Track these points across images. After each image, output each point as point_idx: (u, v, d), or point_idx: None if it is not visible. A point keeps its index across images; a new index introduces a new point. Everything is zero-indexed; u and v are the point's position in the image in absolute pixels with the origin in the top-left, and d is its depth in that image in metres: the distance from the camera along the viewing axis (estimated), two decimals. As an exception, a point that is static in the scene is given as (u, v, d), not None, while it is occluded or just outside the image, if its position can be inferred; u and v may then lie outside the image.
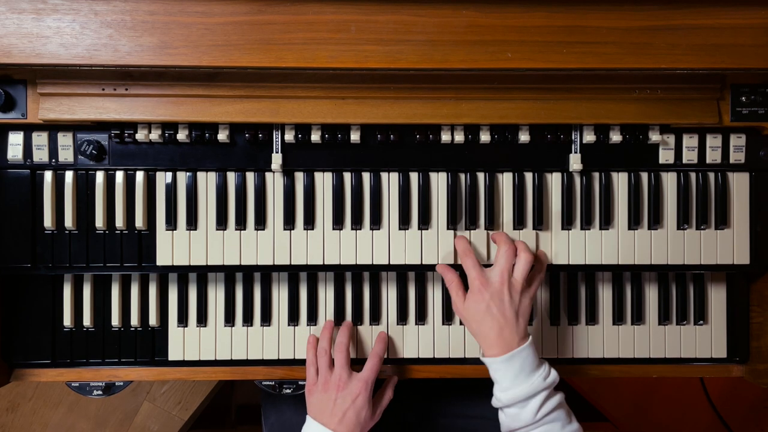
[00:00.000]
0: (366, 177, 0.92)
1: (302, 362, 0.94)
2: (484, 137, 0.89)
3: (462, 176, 0.92)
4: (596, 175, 0.92)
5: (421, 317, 0.95)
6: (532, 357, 0.79)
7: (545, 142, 0.90)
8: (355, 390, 0.85)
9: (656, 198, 0.92)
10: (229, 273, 0.93)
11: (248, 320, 0.94)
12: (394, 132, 0.89)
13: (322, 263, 0.91)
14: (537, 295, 0.95)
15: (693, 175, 0.93)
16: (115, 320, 0.93)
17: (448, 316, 0.95)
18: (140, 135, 0.86)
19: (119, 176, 0.89)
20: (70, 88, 0.84)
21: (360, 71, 0.81)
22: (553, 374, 0.80)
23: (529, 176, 0.92)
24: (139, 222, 0.89)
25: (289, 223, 0.91)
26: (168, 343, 0.94)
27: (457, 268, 0.89)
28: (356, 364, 0.92)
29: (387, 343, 0.93)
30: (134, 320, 0.93)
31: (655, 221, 0.92)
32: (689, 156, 0.91)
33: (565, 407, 0.80)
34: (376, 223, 0.91)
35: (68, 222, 0.88)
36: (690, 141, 0.91)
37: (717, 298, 0.97)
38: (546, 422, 0.77)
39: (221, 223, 0.90)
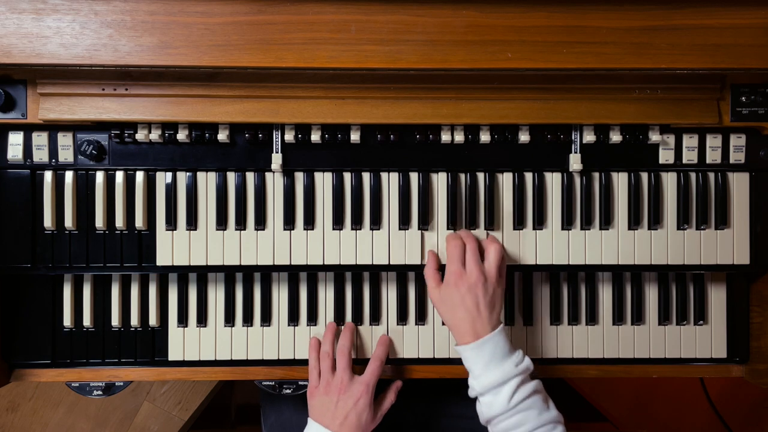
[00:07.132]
0: (366, 177, 0.92)
1: (302, 362, 0.94)
2: (484, 137, 0.89)
3: (462, 176, 0.92)
4: (596, 175, 0.92)
5: (421, 317, 0.95)
6: (503, 344, 0.80)
7: (545, 142, 0.90)
8: (356, 393, 0.85)
9: (656, 198, 0.92)
10: (229, 273, 0.93)
11: (248, 320, 0.94)
12: (394, 132, 0.89)
13: (322, 263, 0.91)
14: (538, 294, 0.96)
15: (693, 175, 0.93)
16: (115, 320, 0.93)
17: (448, 316, 0.95)
18: (140, 135, 0.86)
19: (119, 176, 0.89)
20: (70, 88, 0.84)
21: (360, 71, 0.81)
22: (527, 361, 0.80)
23: (529, 176, 0.92)
24: (139, 222, 0.89)
25: (289, 223, 0.91)
26: (168, 343, 0.94)
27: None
28: (356, 364, 0.92)
29: (388, 346, 0.93)
30: (134, 320, 0.93)
31: (655, 221, 0.92)
32: (689, 156, 0.91)
33: (541, 393, 0.80)
34: (376, 223, 0.91)
35: (68, 222, 0.88)
36: (690, 141, 0.91)
37: (717, 298, 0.97)
38: (521, 410, 0.77)
39: (221, 223, 0.90)
